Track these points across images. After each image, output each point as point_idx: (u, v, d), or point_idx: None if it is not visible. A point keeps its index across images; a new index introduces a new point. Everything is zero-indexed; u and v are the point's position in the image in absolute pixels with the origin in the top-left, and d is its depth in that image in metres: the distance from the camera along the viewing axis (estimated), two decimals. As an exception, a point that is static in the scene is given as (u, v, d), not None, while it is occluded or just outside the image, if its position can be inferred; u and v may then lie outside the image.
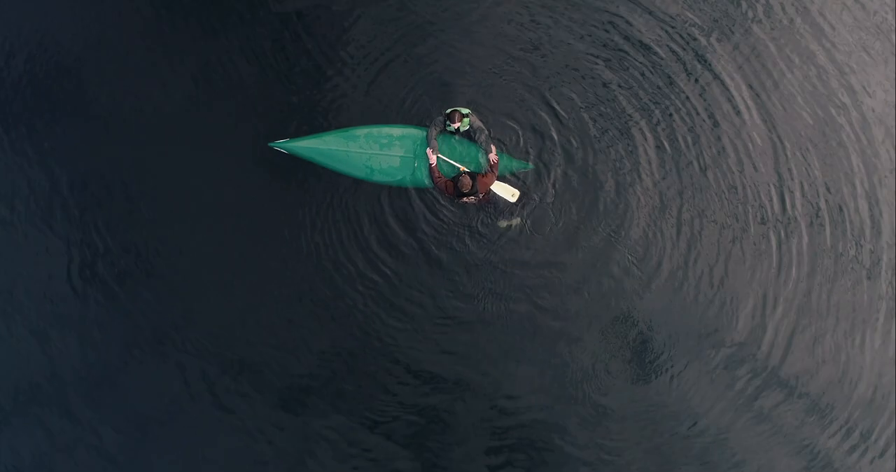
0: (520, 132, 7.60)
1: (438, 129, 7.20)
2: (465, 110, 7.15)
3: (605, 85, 7.73)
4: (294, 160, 7.37)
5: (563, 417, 7.15)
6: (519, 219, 7.48)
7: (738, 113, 7.72)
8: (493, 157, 7.18)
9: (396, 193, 7.49)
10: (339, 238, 7.43)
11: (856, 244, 7.51)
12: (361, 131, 7.28)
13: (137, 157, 7.59)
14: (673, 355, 7.30)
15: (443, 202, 7.45)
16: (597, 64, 7.77)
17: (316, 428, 7.08)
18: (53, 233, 7.41)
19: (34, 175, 7.56)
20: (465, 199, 7.14)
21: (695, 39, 7.86)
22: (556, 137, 7.60)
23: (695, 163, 7.61)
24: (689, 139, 7.65)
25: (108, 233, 7.42)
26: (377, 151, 7.24)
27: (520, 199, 7.35)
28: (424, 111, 7.58)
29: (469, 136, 7.32)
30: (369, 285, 7.36)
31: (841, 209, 7.55)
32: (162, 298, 7.33)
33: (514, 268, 7.42)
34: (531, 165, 7.52)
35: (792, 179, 7.59)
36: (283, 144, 7.23)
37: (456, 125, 7.06)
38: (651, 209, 7.52)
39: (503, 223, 7.46)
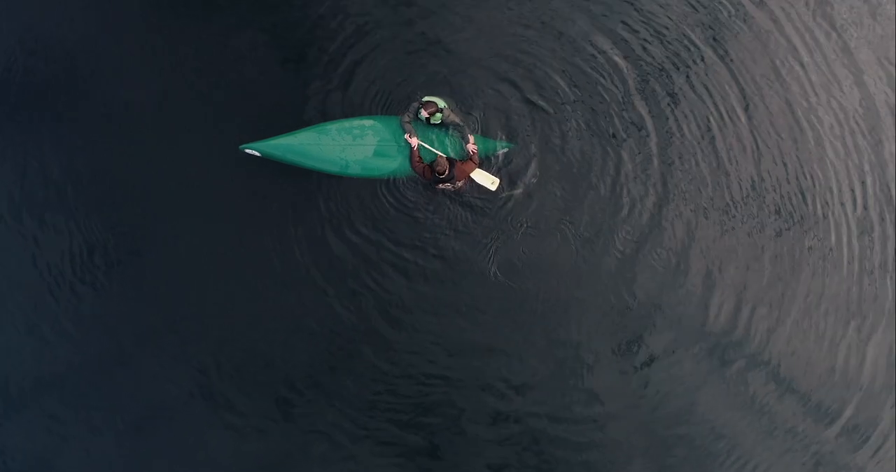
0: (508, 114, 7.61)
1: (411, 116, 7.09)
2: (441, 103, 7.02)
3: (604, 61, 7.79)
4: (268, 163, 7.18)
5: (564, 416, 7.20)
6: (522, 187, 7.45)
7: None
8: (472, 147, 7.09)
9: (384, 185, 7.42)
10: (335, 238, 7.35)
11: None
12: (332, 125, 7.16)
13: (126, 158, 7.48)
14: (677, 352, 7.30)
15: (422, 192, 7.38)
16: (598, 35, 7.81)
17: (313, 427, 7.07)
18: (46, 232, 7.28)
19: (22, 174, 7.40)
20: (442, 184, 6.95)
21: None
22: (550, 121, 7.60)
23: (701, 154, 7.70)
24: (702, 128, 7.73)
25: (103, 232, 7.31)
26: (350, 142, 7.10)
27: (499, 187, 7.33)
28: (398, 102, 7.48)
29: (445, 128, 7.24)
30: (366, 284, 7.32)
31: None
32: (156, 296, 7.25)
33: (512, 265, 7.37)
34: (513, 145, 7.50)
35: (806, 177, 7.70)
36: (254, 146, 7.02)
37: (426, 114, 6.92)
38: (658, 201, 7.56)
39: (507, 193, 7.40)
